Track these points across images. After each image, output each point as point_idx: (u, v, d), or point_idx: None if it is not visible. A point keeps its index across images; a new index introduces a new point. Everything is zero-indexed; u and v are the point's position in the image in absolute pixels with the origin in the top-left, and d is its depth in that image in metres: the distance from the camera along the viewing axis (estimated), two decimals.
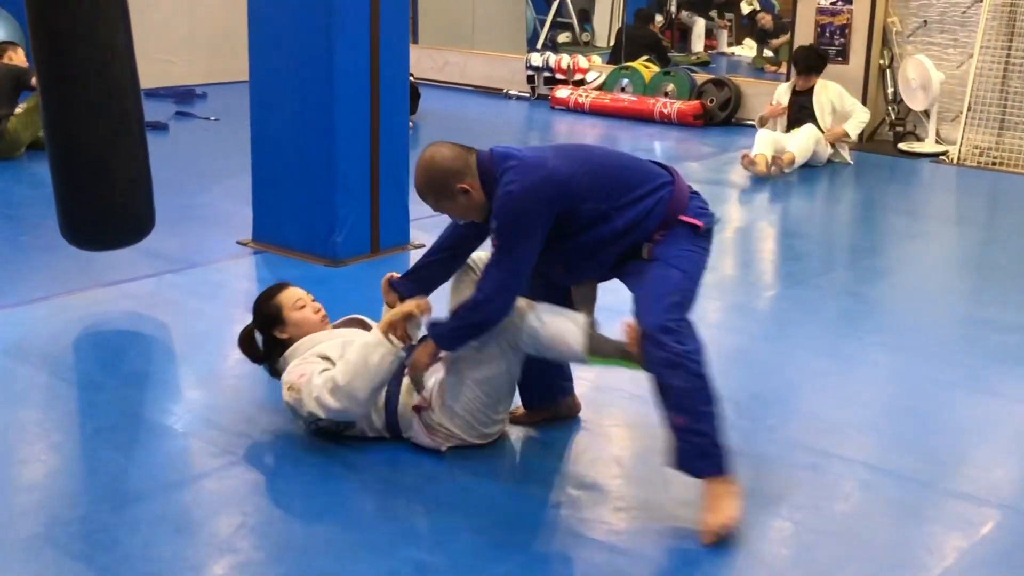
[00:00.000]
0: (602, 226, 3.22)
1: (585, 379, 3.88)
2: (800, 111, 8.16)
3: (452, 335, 3.32)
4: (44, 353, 4.28)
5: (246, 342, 3.66)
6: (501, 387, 3.40)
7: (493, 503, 3.22)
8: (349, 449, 3.49)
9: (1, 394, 3.91)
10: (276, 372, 3.60)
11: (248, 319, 3.69)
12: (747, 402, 3.96)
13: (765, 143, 7.80)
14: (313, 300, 3.69)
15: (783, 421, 3.86)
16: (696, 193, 3.37)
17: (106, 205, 4.45)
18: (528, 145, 3.52)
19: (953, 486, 3.43)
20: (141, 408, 3.81)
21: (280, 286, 3.69)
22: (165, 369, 4.33)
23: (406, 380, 3.40)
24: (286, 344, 3.57)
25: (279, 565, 2.90)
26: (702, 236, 3.28)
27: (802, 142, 7.87)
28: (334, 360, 3.38)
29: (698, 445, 3.07)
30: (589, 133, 9.50)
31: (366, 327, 3.63)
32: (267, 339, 3.62)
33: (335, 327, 3.69)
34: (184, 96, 10.04)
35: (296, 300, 3.62)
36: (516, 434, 3.64)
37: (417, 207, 6.00)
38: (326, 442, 3.51)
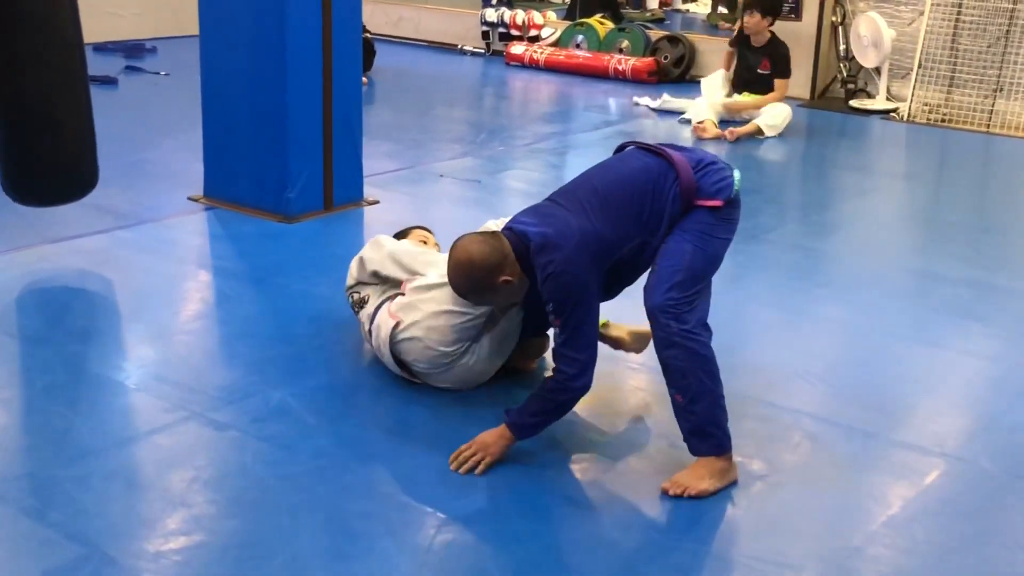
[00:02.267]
0: (642, 250, 3.18)
1: None
2: (748, 72, 8.00)
3: (534, 426, 3.17)
4: None
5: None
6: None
7: (452, 440, 3.23)
8: (302, 404, 3.49)
9: None
10: None
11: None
12: None
13: (707, 110, 7.77)
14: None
15: (732, 374, 3.86)
16: (706, 165, 3.24)
17: (48, 160, 4.39)
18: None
19: (899, 436, 3.49)
20: (90, 364, 3.78)
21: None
22: (115, 325, 4.29)
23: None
24: None
25: (232, 519, 2.90)
26: (724, 209, 3.21)
27: (773, 120, 7.73)
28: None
29: (695, 424, 3.08)
30: (544, 90, 9.48)
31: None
32: None
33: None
34: (133, 50, 9.88)
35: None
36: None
37: (371, 163, 6.03)
38: (280, 396, 3.51)
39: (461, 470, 3.11)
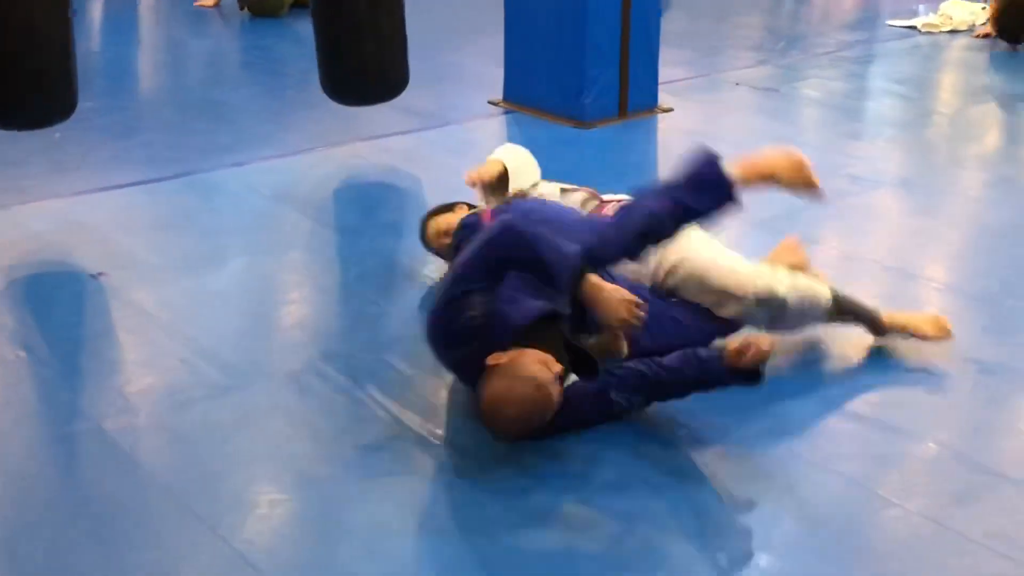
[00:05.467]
0: None
1: None
2: None
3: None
4: (308, 200, 4.52)
5: None
6: None
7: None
8: None
9: (271, 236, 4.16)
10: None
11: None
12: (1014, 279, 3.79)
13: None
14: None
15: None
16: None
17: (363, 62, 4.60)
18: None
19: None
20: (400, 256, 3.97)
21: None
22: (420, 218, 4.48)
23: None
24: None
25: None
26: None
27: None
28: None
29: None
30: None
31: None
32: None
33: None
34: None
35: None
36: None
37: (666, 70, 5.96)
38: None
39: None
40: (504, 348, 2.72)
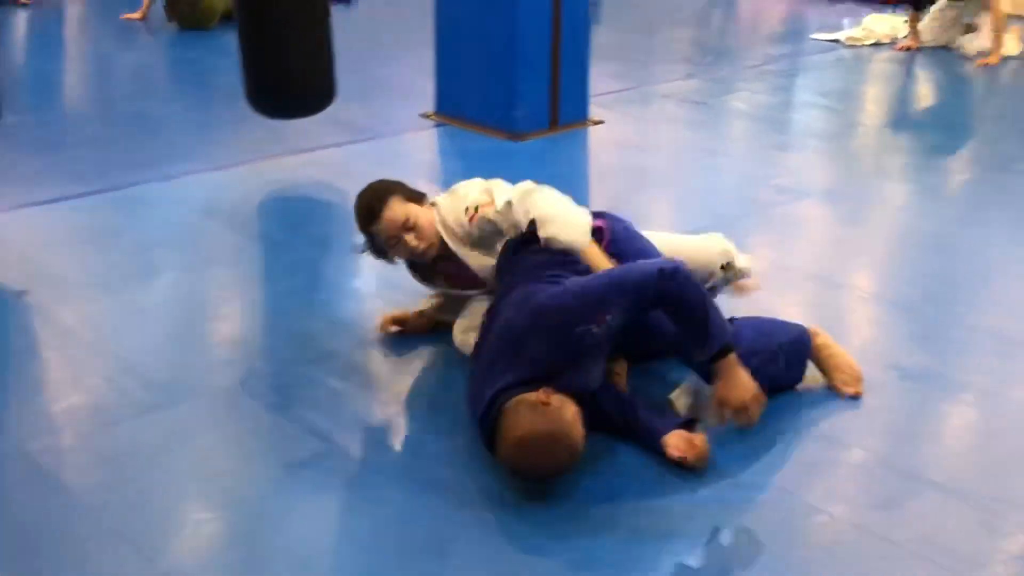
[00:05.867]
0: None
1: None
2: None
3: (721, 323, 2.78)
4: (236, 214, 4.48)
5: None
6: None
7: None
8: None
9: (198, 251, 4.12)
10: None
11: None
12: (935, 287, 3.87)
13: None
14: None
15: (973, 307, 3.74)
16: None
17: (290, 75, 4.57)
18: None
19: None
20: (328, 270, 3.95)
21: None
22: (349, 233, 4.45)
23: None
24: None
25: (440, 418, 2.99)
26: None
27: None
28: None
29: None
30: (775, 10, 9.17)
31: None
32: None
33: None
34: None
35: None
36: None
37: (596, 82, 6.00)
38: None
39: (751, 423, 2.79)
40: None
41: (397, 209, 3.20)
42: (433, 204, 3.29)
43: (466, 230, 3.20)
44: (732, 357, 2.75)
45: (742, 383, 2.76)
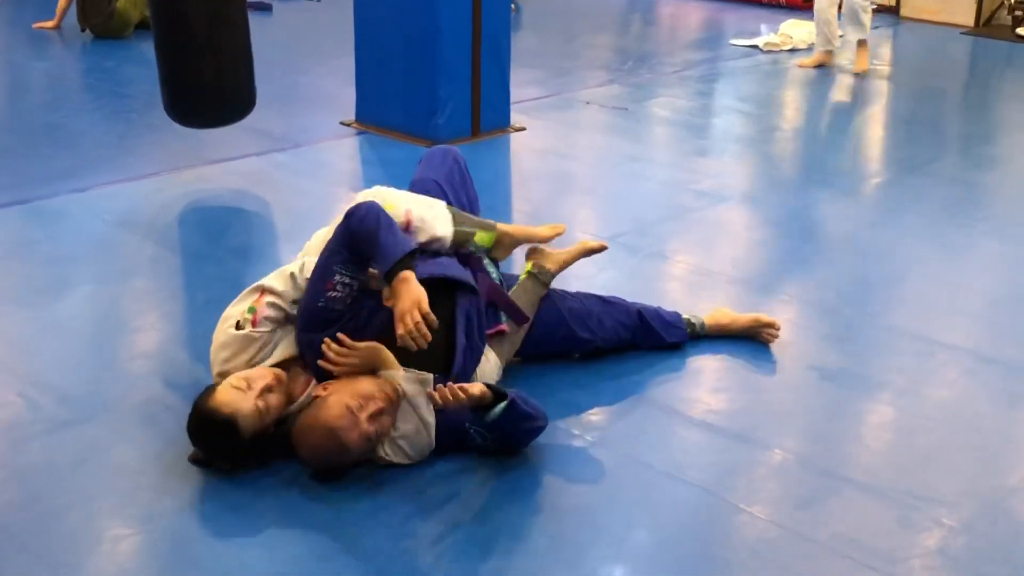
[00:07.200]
0: None
1: None
2: None
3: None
4: (152, 226, 4.41)
5: None
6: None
7: None
8: None
9: (114, 263, 4.04)
10: None
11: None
12: (851, 288, 3.93)
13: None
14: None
15: (888, 308, 3.81)
16: None
17: (208, 84, 4.51)
18: None
19: None
20: (249, 281, 3.88)
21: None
22: (271, 244, 4.42)
23: None
24: None
25: None
26: None
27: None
28: None
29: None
30: (693, 16, 9.28)
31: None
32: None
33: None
34: None
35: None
36: None
37: (518, 89, 6.02)
38: None
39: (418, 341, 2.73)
40: (363, 338, 2.80)
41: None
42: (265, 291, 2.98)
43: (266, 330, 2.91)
44: (405, 274, 2.78)
45: (405, 294, 2.74)
